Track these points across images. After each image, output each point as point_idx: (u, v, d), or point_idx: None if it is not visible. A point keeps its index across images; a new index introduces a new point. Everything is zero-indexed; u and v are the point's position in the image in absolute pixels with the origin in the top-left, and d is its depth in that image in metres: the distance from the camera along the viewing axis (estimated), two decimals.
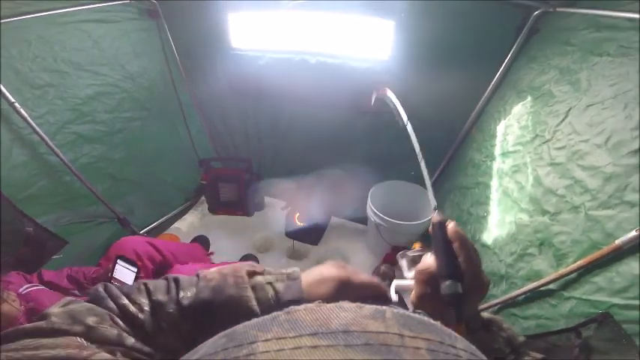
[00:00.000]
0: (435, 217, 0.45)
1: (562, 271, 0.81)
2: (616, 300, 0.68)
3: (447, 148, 1.56)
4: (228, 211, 2.16)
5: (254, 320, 0.22)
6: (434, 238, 0.44)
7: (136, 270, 1.22)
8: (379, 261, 1.79)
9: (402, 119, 0.61)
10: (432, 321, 0.22)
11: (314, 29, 1.45)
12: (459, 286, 0.40)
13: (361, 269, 1.40)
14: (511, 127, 1.14)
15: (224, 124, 1.97)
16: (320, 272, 0.47)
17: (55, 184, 1.36)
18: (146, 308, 0.43)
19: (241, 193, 2.06)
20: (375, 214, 1.60)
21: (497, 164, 1.18)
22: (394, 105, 0.63)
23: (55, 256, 1.41)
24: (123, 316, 0.41)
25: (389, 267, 1.67)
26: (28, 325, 0.34)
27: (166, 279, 0.47)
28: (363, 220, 2.04)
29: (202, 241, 1.92)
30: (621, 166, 0.73)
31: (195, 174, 2.11)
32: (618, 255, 0.68)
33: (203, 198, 2.23)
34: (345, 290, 0.46)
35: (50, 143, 1.27)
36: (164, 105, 1.76)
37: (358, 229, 2.04)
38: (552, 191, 0.92)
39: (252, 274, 0.46)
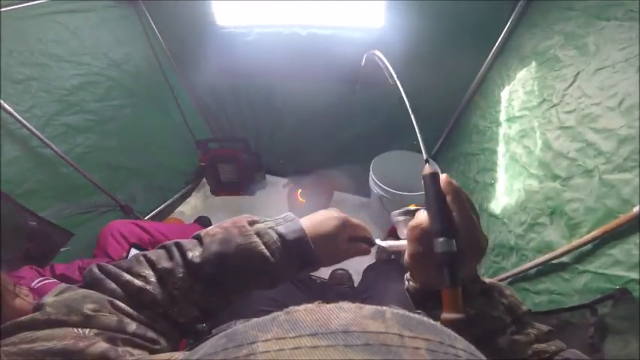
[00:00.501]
0: (427, 168, 0.40)
1: (575, 242, 0.77)
2: (634, 275, 0.64)
3: (448, 116, 1.51)
4: (230, 192, 2.15)
5: (254, 320, 0.22)
6: (426, 191, 0.40)
7: None
8: (384, 233, 1.80)
9: (392, 78, 0.56)
10: (431, 321, 0.22)
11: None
12: (452, 243, 0.36)
13: None
14: (516, 93, 1.09)
15: (217, 104, 1.91)
16: (322, 214, 0.53)
17: (51, 177, 1.34)
18: (152, 279, 0.41)
19: (241, 173, 2.04)
20: (377, 185, 1.58)
21: (504, 130, 1.14)
22: (384, 65, 0.58)
23: (63, 249, 1.42)
24: (127, 294, 0.39)
25: (394, 239, 1.66)
26: (24, 317, 0.33)
27: (164, 247, 0.45)
28: (366, 193, 2.04)
29: (204, 222, 1.92)
30: (636, 129, 0.69)
31: (193, 156, 2.08)
32: (637, 224, 0.63)
33: (204, 180, 2.21)
34: (344, 228, 0.53)
35: (41, 136, 1.23)
36: (154, 90, 1.70)
37: (362, 202, 2.03)
38: (563, 154, 0.88)
39: (252, 222, 0.48)
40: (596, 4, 0.84)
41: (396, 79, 0.54)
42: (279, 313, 0.22)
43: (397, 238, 1.76)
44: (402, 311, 0.22)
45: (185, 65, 1.73)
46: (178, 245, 0.45)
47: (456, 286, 0.36)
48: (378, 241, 0.55)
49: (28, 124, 1.19)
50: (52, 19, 1.26)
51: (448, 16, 1.18)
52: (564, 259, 0.82)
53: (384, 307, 0.22)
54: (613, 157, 0.74)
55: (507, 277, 0.99)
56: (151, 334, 0.39)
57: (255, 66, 1.58)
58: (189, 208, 2.13)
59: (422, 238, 0.39)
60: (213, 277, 0.43)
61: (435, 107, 1.48)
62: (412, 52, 1.27)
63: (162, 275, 0.42)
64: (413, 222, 0.40)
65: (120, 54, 1.49)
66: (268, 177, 2.20)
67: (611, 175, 0.74)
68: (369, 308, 0.22)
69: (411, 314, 0.22)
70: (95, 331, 0.33)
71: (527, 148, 1.02)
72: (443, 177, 0.39)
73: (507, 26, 1.13)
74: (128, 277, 0.40)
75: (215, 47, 1.56)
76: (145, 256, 0.43)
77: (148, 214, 1.91)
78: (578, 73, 0.85)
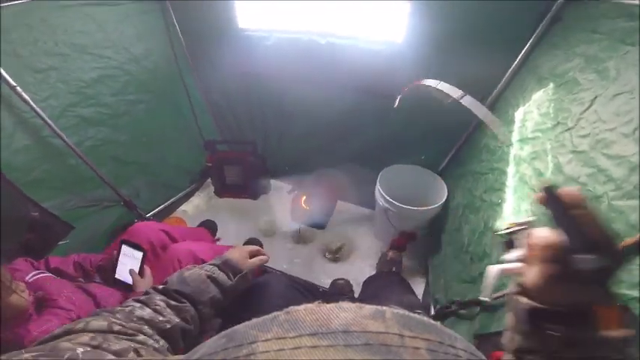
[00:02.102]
0: (543, 180, 0.40)
1: None
2: (635, 293, 0.64)
3: (459, 133, 1.52)
4: (234, 194, 2.15)
5: (254, 320, 0.22)
6: (551, 205, 0.37)
7: (141, 254, 1.20)
8: (386, 246, 1.80)
9: (451, 97, 0.56)
10: (431, 321, 0.22)
11: (324, 9, 1.38)
12: (602, 258, 0.33)
13: (367, 254, 1.69)
14: (530, 114, 1.10)
15: (229, 106, 1.92)
16: (234, 250, 0.88)
17: (59, 168, 1.35)
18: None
19: (247, 176, 2.05)
20: (383, 198, 1.59)
21: (515, 150, 1.15)
22: (437, 89, 0.58)
23: (61, 242, 1.40)
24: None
25: (396, 253, 1.66)
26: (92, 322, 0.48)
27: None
28: (370, 204, 2.04)
29: (210, 226, 1.91)
30: None
31: (200, 156, 2.09)
32: None
33: (209, 181, 2.21)
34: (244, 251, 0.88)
35: (53, 126, 1.24)
36: (168, 87, 1.71)
37: (365, 213, 2.03)
38: (573, 179, 0.89)
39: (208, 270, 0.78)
40: (622, 27, 0.85)
41: (461, 95, 0.53)
42: (279, 313, 0.22)
43: (400, 251, 1.75)
44: (402, 311, 0.22)
45: (201, 64, 1.76)
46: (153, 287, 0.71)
47: (615, 302, 0.35)
48: (494, 267, 0.49)
49: (42, 114, 1.20)
50: (81, 10, 1.28)
51: (469, 36, 1.20)
52: None
53: (384, 307, 0.22)
54: (623, 184, 0.74)
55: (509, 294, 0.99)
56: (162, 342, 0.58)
57: (270, 70, 1.60)
58: (192, 208, 2.12)
59: (556, 257, 0.37)
60: (183, 294, 0.70)
61: (446, 124, 1.50)
62: (429, 69, 1.29)
63: (144, 301, 0.64)
64: (538, 241, 0.37)
65: (140, 49, 1.51)
66: (273, 182, 2.21)
67: (620, 201, 0.74)
68: (369, 308, 0.22)
69: (411, 314, 0.22)
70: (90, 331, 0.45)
71: (538, 170, 1.02)
72: (572, 190, 0.37)
73: (527, 47, 1.15)
74: (128, 309, 0.60)
75: (233, 49, 1.58)
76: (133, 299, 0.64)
77: (151, 212, 1.91)
78: (595, 98, 0.86)
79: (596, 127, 0.84)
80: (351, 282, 1.68)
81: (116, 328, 0.48)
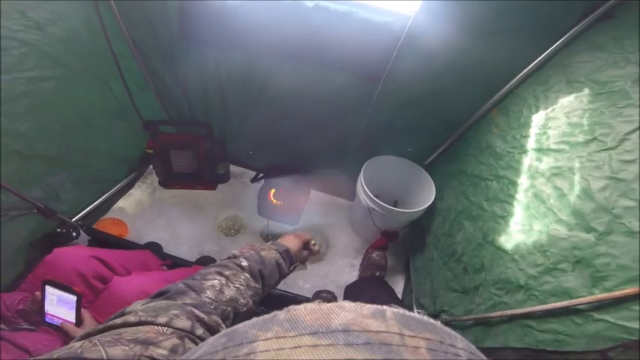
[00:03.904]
0: None
1: (601, 295, 0.73)
2: None
3: (456, 126, 1.37)
4: (184, 184, 1.80)
5: (254, 319, 0.22)
6: None
7: (75, 298, 0.91)
8: (366, 244, 1.67)
9: None
10: (432, 320, 0.22)
11: None
12: None
13: (346, 251, 1.70)
14: (555, 121, 0.97)
15: (176, 79, 1.49)
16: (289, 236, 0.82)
17: None
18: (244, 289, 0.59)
19: (200, 163, 1.71)
20: (369, 198, 1.42)
21: (530, 160, 1.03)
22: None
23: None
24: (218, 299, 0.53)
25: (381, 255, 1.55)
26: (117, 319, 0.40)
27: (222, 274, 0.59)
28: (347, 195, 1.87)
29: (154, 249, 1.54)
30: None
31: (139, 140, 1.68)
32: None
33: (152, 169, 1.82)
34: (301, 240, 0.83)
35: None
36: (90, 58, 1.24)
37: (341, 204, 1.86)
38: (606, 209, 0.80)
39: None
40: None
41: None
42: (279, 312, 0.21)
43: (384, 251, 1.63)
44: (402, 310, 0.22)
45: (138, 27, 1.29)
46: (230, 260, 0.63)
47: None
48: None
49: None
50: None
51: (494, 16, 0.98)
52: (581, 306, 0.78)
53: (385, 307, 0.21)
54: None
55: (511, 315, 0.95)
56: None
57: (233, 36, 1.23)
58: (131, 204, 1.74)
59: None
60: (262, 273, 0.64)
61: (443, 113, 1.34)
62: (439, 51, 1.07)
63: (230, 278, 0.58)
64: None
65: (44, 12, 1.04)
66: (232, 168, 1.89)
67: None
68: (369, 307, 0.21)
69: (412, 314, 0.22)
70: (172, 330, 0.41)
71: (559, 190, 0.92)
72: None
73: (560, 42, 0.98)
74: (209, 283, 0.55)
75: (184, 6, 1.16)
76: (212, 270, 0.58)
77: (78, 215, 1.51)
78: None
79: None
80: (333, 284, 1.55)
81: (198, 332, 0.43)
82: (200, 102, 1.58)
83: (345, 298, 1.43)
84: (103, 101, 1.40)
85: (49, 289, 0.90)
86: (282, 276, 0.72)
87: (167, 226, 1.67)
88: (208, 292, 0.52)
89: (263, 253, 0.67)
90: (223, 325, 0.50)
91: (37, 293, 0.92)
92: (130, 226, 1.64)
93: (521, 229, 1.03)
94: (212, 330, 0.47)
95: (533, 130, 1.04)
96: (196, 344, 0.42)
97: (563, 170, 0.92)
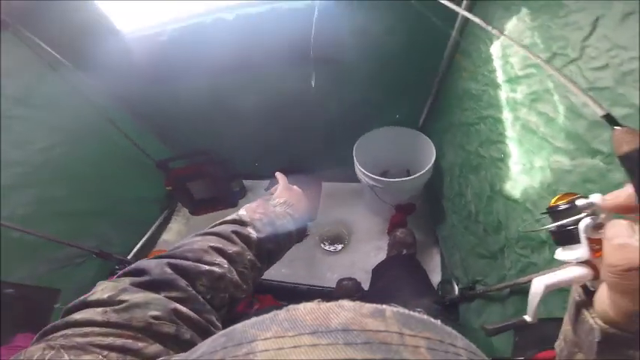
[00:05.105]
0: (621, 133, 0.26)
1: None
2: None
3: (429, 82, 1.23)
4: (209, 208, 1.94)
5: (253, 319, 0.21)
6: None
7: None
8: (386, 223, 1.60)
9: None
10: (431, 320, 0.21)
11: None
12: None
13: (369, 235, 1.56)
14: (512, 48, 0.84)
15: (164, 118, 1.61)
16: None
17: (6, 243, 1.19)
18: (225, 265, 0.45)
19: (216, 186, 1.82)
20: (365, 176, 1.36)
21: (505, 93, 0.89)
22: None
23: (56, 305, 1.35)
24: (209, 281, 0.43)
25: (405, 232, 1.44)
26: (79, 316, 0.33)
27: (218, 234, 0.49)
28: (357, 178, 1.82)
29: None
30: None
31: (158, 179, 1.86)
32: None
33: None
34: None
35: None
36: (79, 120, 1.43)
37: (355, 189, 1.81)
38: (600, 123, 0.64)
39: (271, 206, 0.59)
40: None
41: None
42: (278, 311, 0.21)
43: (405, 227, 1.53)
44: (401, 310, 0.21)
45: (110, 83, 1.42)
46: (236, 232, 0.49)
47: None
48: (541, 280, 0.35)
49: None
50: None
51: None
52: None
53: (384, 306, 0.21)
54: None
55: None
56: (199, 340, 0.38)
57: (183, 68, 1.28)
58: (172, 235, 1.95)
59: None
60: (271, 252, 0.53)
61: (411, 74, 1.22)
62: (372, 16, 0.98)
63: (233, 258, 0.47)
64: (626, 263, 0.23)
65: (16, 87, 1.20)
66: (246, 182, 1.98)
67: None
68: (368, 307, 0.21)
69: (411, 313, 0.21)
70: (153, 333, 0.34)
71: (545, 114, 0.78)
72: None
73: None
74: (206, 267, 0.43)
75: (129, 57, 1.24)
76: (209, 246, 0.45)
77: (130, 253, 1.74)
78: (597, 19, 0.60)
79: (616, 56, 0.58)
80: (360, 271, 1.52)
81: (185, 336, 0.37)
82: (192, 132, 1.68)
83: (372, 283, 1.39)
84: (112, 154, 1.59)
85: None
86: (289, 247, 0.60)
87: None
88: (203, 279, 0.42)
89: (278, 223, 0.54)
90: (217, 323, 0.42)
91: None
92: None
93: (522, 168, 0.89)
94: (202, 330, 0.39)
95: (497, 63, 0.90)
96: (182, 350, 0.33)
97: (540, 94, 0.78)
